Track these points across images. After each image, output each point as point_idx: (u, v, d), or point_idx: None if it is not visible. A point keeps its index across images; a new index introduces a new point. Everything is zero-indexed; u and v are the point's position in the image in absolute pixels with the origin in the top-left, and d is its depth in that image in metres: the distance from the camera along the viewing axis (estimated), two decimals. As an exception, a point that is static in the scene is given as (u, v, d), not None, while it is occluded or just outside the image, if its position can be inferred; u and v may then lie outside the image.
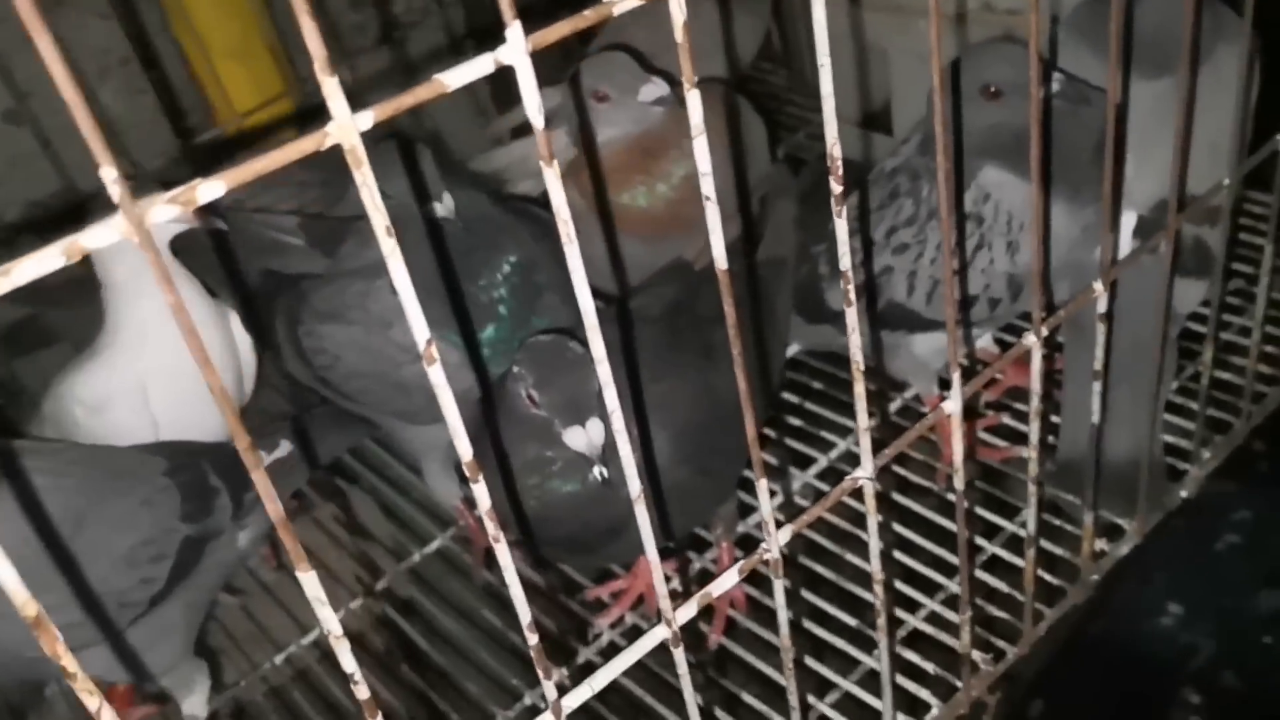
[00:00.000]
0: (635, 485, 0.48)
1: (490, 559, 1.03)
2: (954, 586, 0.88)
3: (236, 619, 1.03)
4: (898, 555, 0.90)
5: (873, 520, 0.61)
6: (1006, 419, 1.01)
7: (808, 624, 0.88)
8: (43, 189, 1.29)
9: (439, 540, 1.06)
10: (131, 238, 0.32)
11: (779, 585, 0.58)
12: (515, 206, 0.96)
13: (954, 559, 0.90)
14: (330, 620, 0.41)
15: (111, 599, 0.79)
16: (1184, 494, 0.90)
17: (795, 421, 1.06)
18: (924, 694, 0.80)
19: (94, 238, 0.32)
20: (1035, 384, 0.67)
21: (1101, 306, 0.69)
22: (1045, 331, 0.65)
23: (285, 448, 0.97)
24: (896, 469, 0.97)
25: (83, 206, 1.16)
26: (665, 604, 0.52)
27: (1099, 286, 0.68)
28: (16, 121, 1.28)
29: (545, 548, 0.79)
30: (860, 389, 0.56)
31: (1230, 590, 1.27)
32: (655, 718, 0.85)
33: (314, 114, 1.36)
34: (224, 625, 1.02)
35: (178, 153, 1.32)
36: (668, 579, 0.95)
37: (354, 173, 0.36)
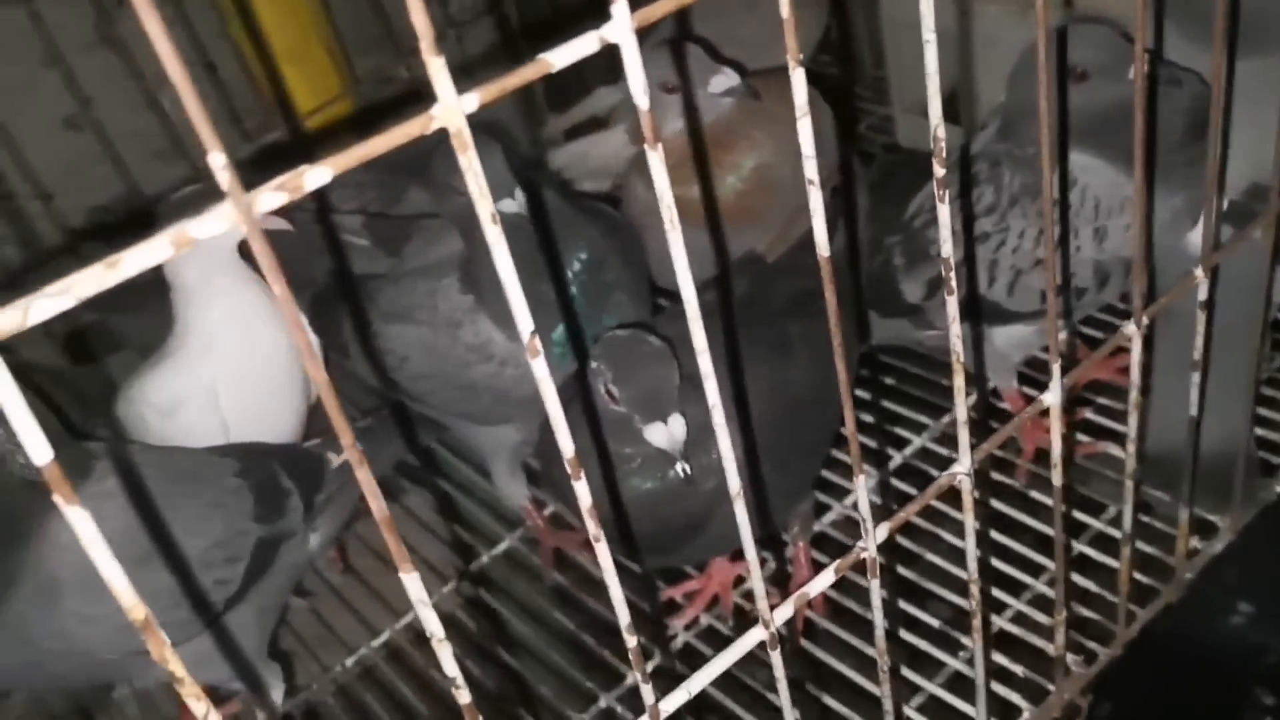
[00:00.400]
0: (735, 482, 0.47)
1: (559, 559, 1.01)
2: (1040, 586, 0.86)
3: (305, 621, 1.03)
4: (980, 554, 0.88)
5: (970, 519, 0.59)
6: (1089, 413, 0.99)
7: (891, 624, 0.86)
8: (104, 194, 1.29)
9: (507, 541, 1.05)
10: (240, 226, 0.31)
11: (875, 586, 0.56)
12: (583, 204, 0.95)
13: (1038, 557, 0.88)
14: (433, 622, 0.40)
15: (187, 601, 0.78)
16: (1279, 489, 0.86)
17: (869, 418, 1.04)
18: (1014, 697, 0.78)
19: (204, 227, 0.30)
20: (1135, 376, 0.65)
21: (1202, 294, 0.66)
22: (1146, 321, 0.63)
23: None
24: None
25: (146, 211, 1.16)
26: (763, 604, 0.50)
27: (1199, 273, 0.65)
28: (76, 127, 1.29)
29: (621, 547, 0.78)
30: (960, 381, 0.54)
31: (1303, 588, 1.23)
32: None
33: (374, 112, 1.36)
34: (293, 628, 1.01)
35: (239, 155, 1.32)
36: (744, 579, 0.93)
37: (459, 157, 0.34)
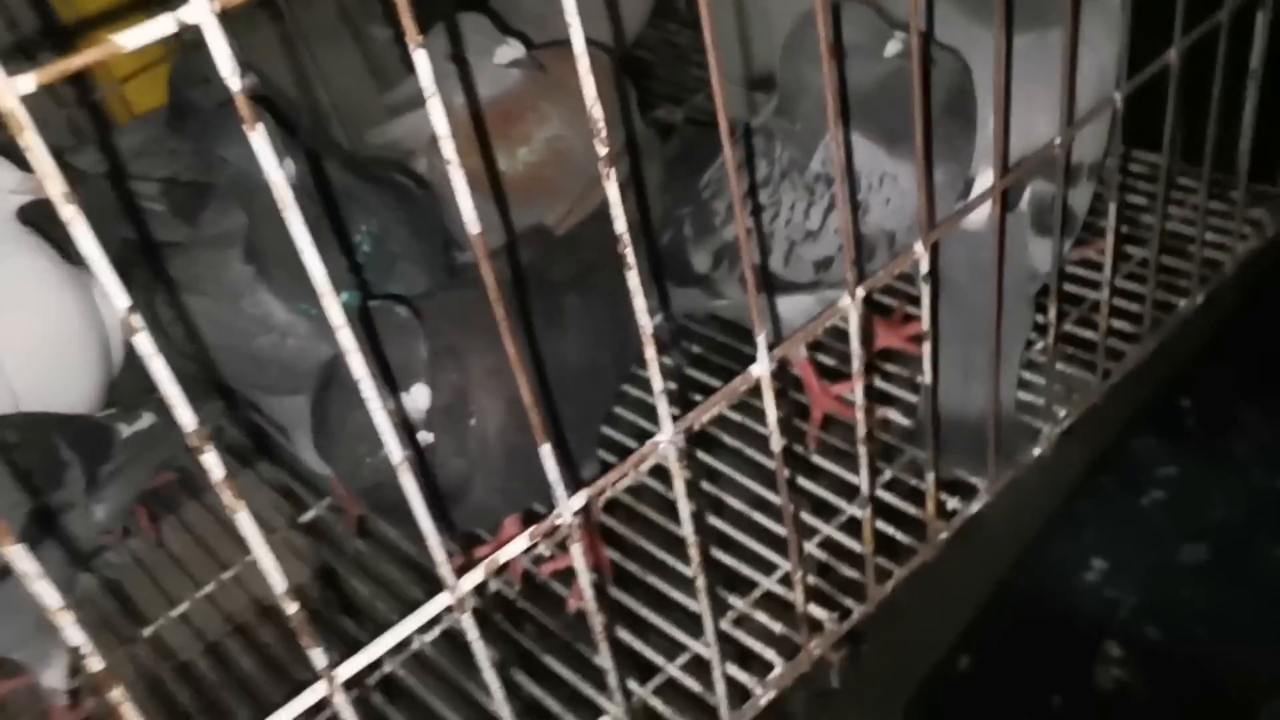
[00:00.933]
0: (396, 453, 0.48)
1: (361, 527, 1.02)
2: (810, 547, 0.89)
3: (105, 593, 1.02)
4: (757, 517, 0.91)
5: (680, 483, 0.61)
6: (876, 380, 1.02)
7: (659, 583, 0.88)
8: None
9: (314, 510, 1.06)
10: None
11: (576, 550, 0.58)
12: (372, 174, 0.95)
13: (812, 520, 0.91)
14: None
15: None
16: (1037, 452, 0.90)
17: (673, 384, 1.06)
18: (770, 654, 0.81)
19: None
20: (855, 346, 0.68)
21: (924, 268, 0.69)
22: (861, 293, 0.66)
23: (148, 419, 0.96)
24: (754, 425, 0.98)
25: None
26: (445, 571, 0.52)
27: (919, 248, 0.68)
28: None
29: (387, 518, 0.79)
30: (652, 353, 0.56)
31: (1154, 545, 1.29)
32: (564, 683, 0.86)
33: None
34: (92, 600, 1.01)
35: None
36: (535, 545, 0.95)
37: (19, 137, 0.35)
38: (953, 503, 0.87)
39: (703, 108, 1.45)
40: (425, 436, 0.70)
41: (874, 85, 0.82)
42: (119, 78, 1.27)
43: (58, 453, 0.86)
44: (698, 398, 1.05)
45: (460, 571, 0.53)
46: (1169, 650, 1.17)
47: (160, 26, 0.36)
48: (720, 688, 0.71)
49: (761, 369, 0.62)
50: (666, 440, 0.59)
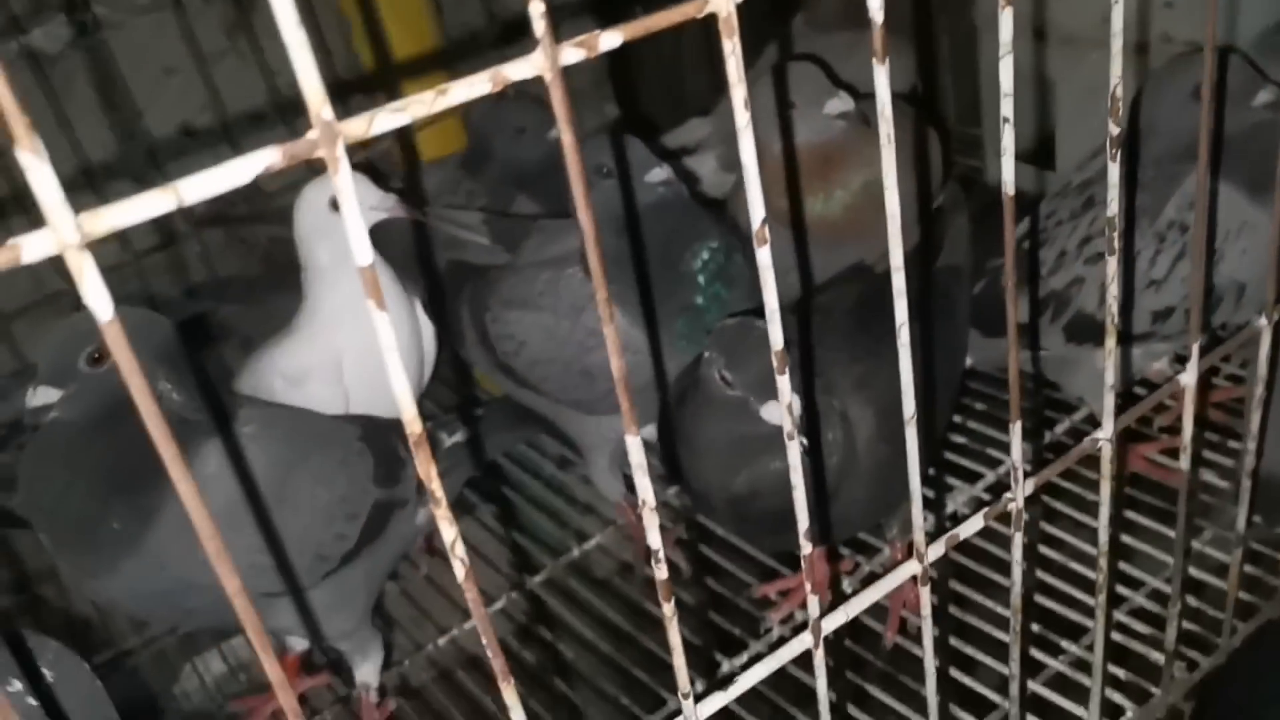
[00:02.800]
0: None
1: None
2: (1139, 599, 0.87)
3: (397, 602, 1.05)
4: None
5: (1107, 486, 0.61)
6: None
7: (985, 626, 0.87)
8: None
9: (598, 537, 1.07)
10: (547, 74, 0.34)
11: (1018, 539, 0.58)
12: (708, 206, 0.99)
13: (1134, 570, 0.89)
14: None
15: (309, 550, 0.81)
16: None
17: (959, 439, 1.06)
18: (1117, 697, 0.78)
19: (516, 70, 0.34)
20: (1262, 370, 0.67)
21: (1265, 343, 0.67)
22: (1277, 316, 0.65)
23: (463, 433, 0.99)
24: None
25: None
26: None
27: (1261, 322, 0.66)
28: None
29: (746, 528, 0.79)
30: (1111, 343, 0.56)
31: None
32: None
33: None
34: (386, 608, 1.03)
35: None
36: (839, 578, 0.95)
37: (725, 43, 0.37)
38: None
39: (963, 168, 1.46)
40: (802, 440, 0.71)
41: (1240, 133, 0.83)
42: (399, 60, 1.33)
43: (397, 451, 0.90)
44: (989, 450, 1.04)
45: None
46: None
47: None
48: None
49: (1190, 377, 0.62)
50: (1105, 438, 0.59)
